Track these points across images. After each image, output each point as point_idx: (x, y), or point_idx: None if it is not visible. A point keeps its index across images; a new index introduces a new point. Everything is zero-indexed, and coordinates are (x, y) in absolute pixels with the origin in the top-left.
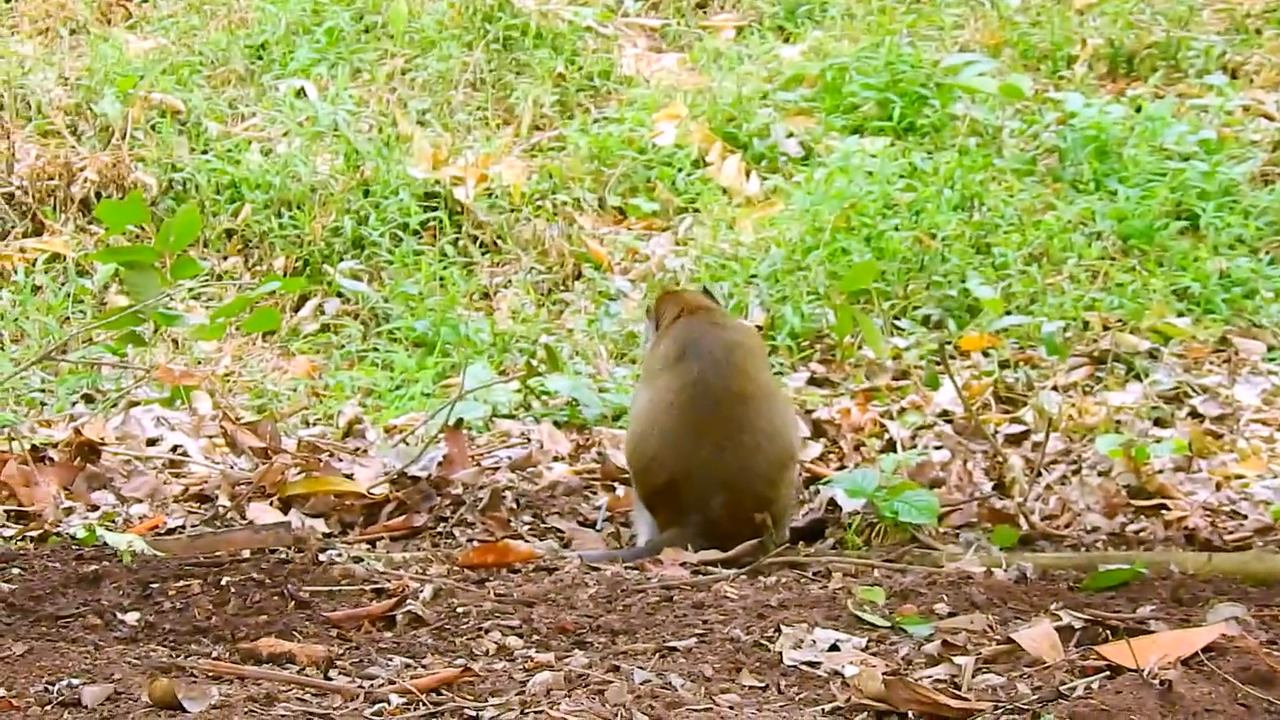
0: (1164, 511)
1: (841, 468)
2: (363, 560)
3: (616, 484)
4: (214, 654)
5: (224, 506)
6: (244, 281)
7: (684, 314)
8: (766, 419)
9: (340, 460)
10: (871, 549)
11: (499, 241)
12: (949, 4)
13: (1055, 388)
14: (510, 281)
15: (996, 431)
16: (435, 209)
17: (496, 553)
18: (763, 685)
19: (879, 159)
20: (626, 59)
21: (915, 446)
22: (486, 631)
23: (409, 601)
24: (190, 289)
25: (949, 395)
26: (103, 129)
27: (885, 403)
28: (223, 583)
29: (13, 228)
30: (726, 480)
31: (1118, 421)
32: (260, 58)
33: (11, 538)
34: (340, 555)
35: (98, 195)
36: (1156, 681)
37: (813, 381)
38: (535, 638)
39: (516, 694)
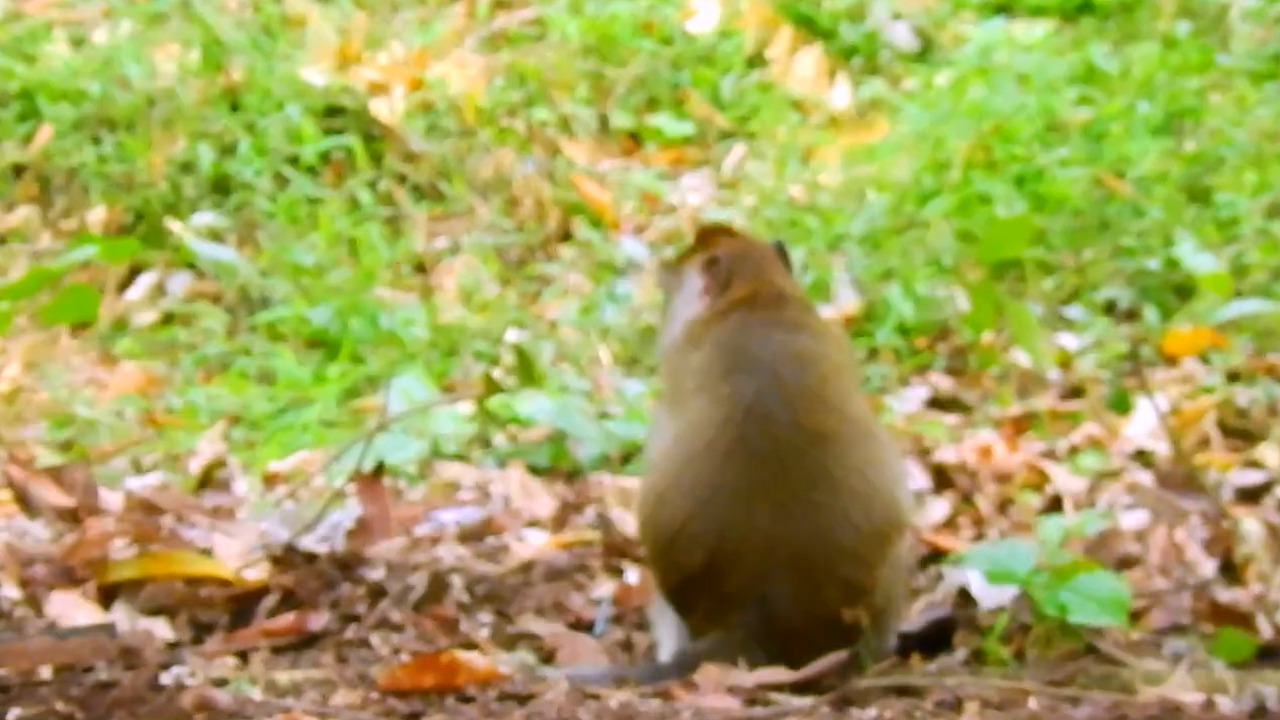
0: None
1: (979, 538)
2: (229, 683)
3: (627, 564)
4: None
5: (10, 599)
6: (42, 245)
7: (742, 303)
8: (857, 469)
9: (193, 527)
10: (1025, 665)
11: (442, 184)
12: None
13: None
14: (460, 246)
15: (1222, 483)
16: (342, 132)
17: (438, 671)
18: None
19: (1037, 54)
20: None
21: (1094, 505)
22: None
23: None
24: None
25: (1147, 425)
26: None
27: (1047, 437)
28: (10, 718)
29: None
30: (796, 561)
31: None
32: None
33: None
34: (193, 675)
35: None
36: None
37: (935, 403)
38: None
39: None
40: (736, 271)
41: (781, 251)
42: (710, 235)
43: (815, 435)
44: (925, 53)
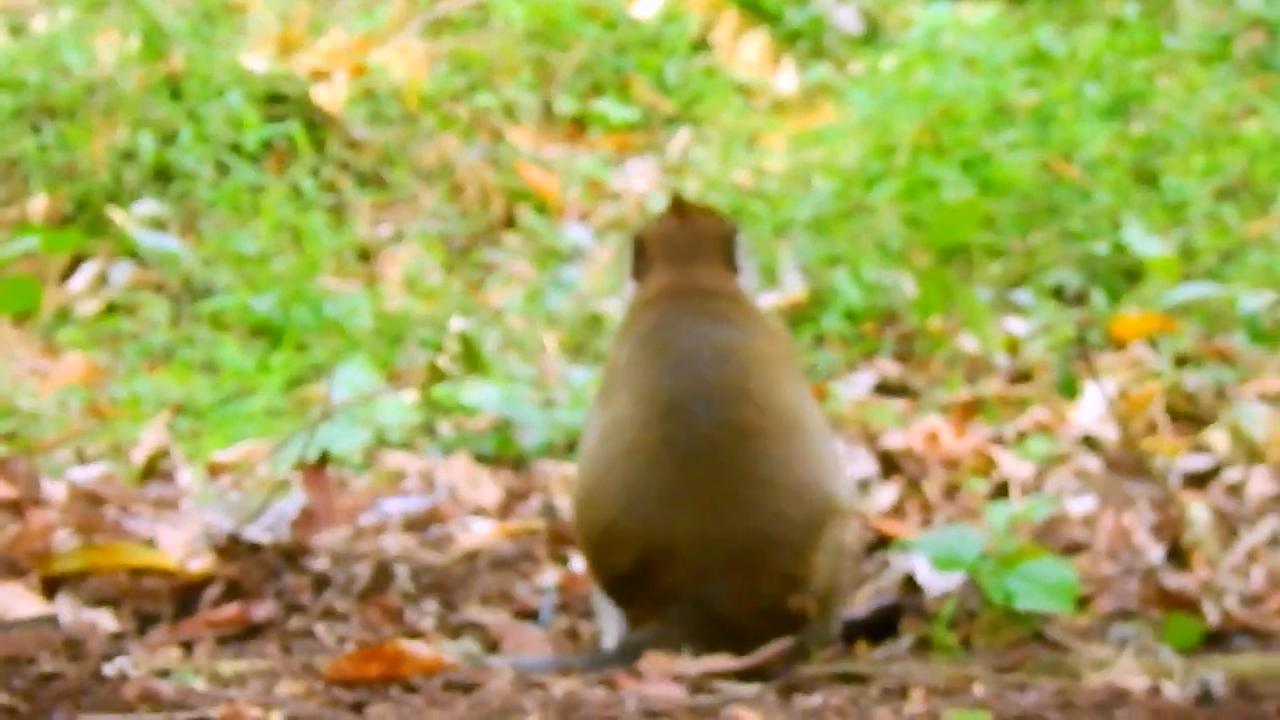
0: None
1: (927, 524)
2: (173, 674)
3: (572, 552)
4: None
5: None
6: None
7: (665, 293)
8: (784, 462)
9: (137, 517)
10: (972, 651)
11: (386, 171)
12: None
13: (1263, 396)
14: (404, 234)
15: (1170, 468)
16: (284, 119)
17: (383, 661)
18: None
19: (984, 37)
20: None
21: (1042, 491)
22: None
23: None
24: None
25: (1095, 410)
26: None
27: (995, 422)
28: None
29: None
30: (731, 558)
31: None
32: None
33: None
34: (137, 666)
35: None
36: None
37: (883, 389)
38: None
39: None
40: (663, 256)
41: (730, 236)
42: (672, 209)
43: (739, 431)
44: (871, 36)
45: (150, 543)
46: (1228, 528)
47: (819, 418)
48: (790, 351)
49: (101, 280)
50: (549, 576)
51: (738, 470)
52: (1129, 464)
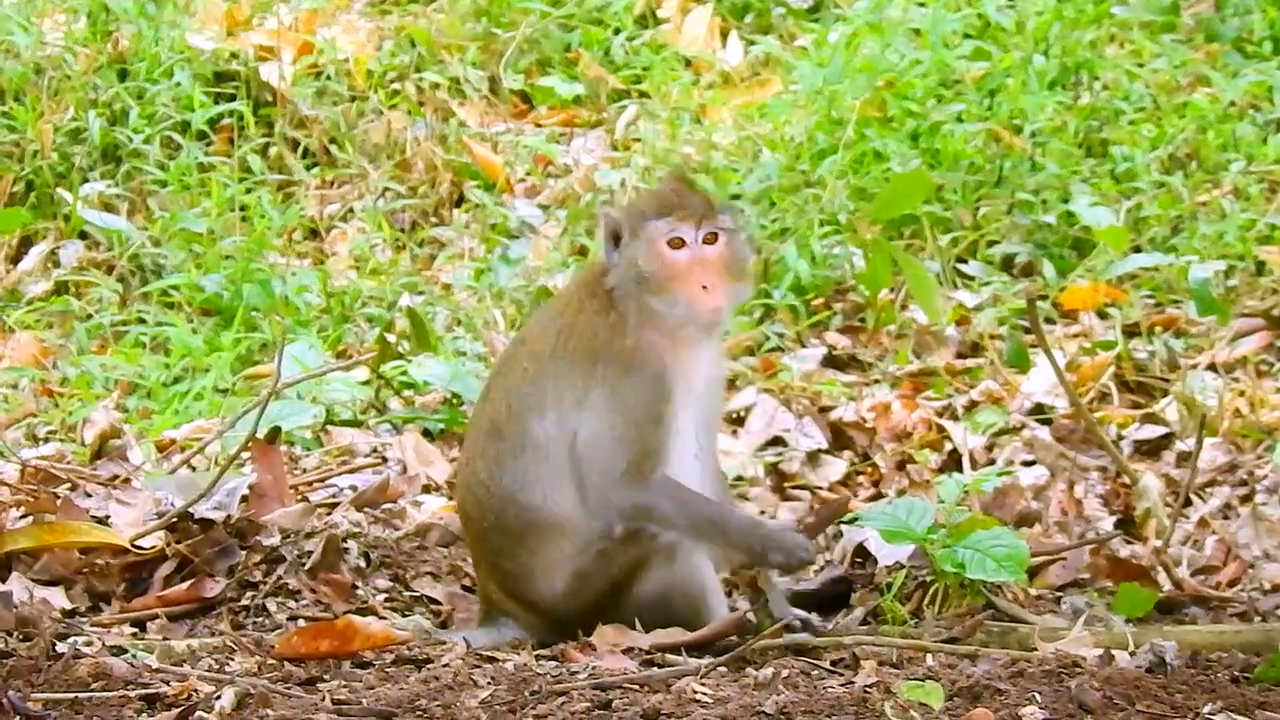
0: None
1: (877, 496)
2: (126, 651)
3: None
4: None
5: None
6: None
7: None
8: (472, 467)
9: (89, 496)
10: (923, 622)
11: (333, 148)
12: None
13: (1213, 366)
14: (352, 211)
15: (1121, 438)
16: (232, 98)
17: (335, 636)
18: None
19: (930, 9)
20: None
21: (993, 462)
22: None
23: (199, 713)
24: None
25: (1045, 381)
26: None
27: (945, 394)
28: None
29: None
30: (470, 546)
31: None
32: None
33: None
34: (90, 643)
35: None
36: None
37: (831, 362)
38: None
39: None
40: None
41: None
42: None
43: (469, 432)
44: (818, 9)
45: (102, 521)
46: (1179, 498)
47: (551, 427)
48: (565, 352)
49: (51, 260)
50: None
51: (475, 463)
52: (1080, 435)
